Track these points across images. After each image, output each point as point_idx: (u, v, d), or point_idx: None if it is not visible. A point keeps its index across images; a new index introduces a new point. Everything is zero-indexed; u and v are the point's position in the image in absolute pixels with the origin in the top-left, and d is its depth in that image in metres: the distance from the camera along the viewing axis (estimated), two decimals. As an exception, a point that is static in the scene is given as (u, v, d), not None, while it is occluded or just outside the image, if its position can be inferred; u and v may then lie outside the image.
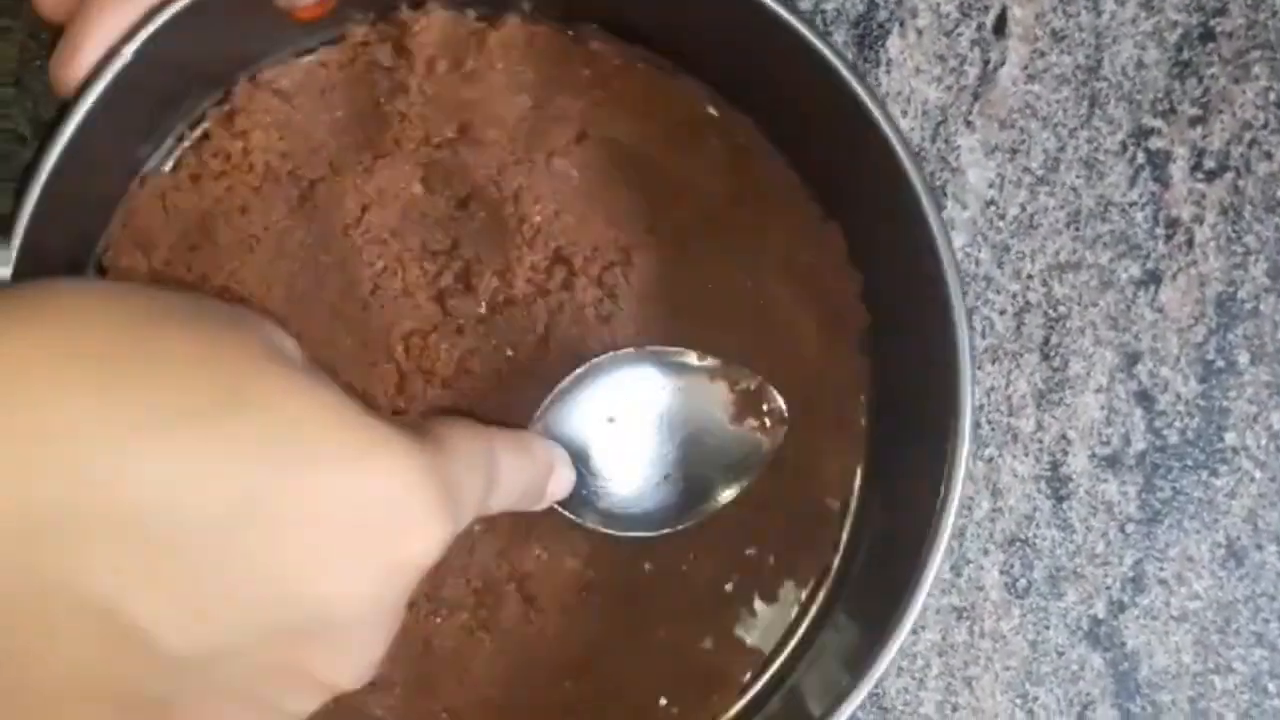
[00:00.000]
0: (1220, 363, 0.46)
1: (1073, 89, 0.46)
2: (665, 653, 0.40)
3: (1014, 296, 0.46)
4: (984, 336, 0.45)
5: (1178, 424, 0.46)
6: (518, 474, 0.33)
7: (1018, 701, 0.45)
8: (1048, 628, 0.45)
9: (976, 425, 0.39)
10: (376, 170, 0.39)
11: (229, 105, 0.40)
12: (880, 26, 0.46)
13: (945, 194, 0.46)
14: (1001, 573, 0.45)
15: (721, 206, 0.41)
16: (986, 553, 0.45)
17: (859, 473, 0.42)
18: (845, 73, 0.37)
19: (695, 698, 0.41)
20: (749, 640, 0.41)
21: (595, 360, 0.38)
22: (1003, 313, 0.46)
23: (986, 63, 0.46)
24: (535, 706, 0.40)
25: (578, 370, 0.38)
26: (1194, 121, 0.46)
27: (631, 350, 0.39)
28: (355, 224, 0.39)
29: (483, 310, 0.40)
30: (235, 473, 0.23)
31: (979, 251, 0.46)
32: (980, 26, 0.46)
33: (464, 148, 0.40)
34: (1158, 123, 0.46)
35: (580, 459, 0.37)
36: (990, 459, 0.45)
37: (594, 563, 0.40)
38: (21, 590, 0.22)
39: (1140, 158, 0.46)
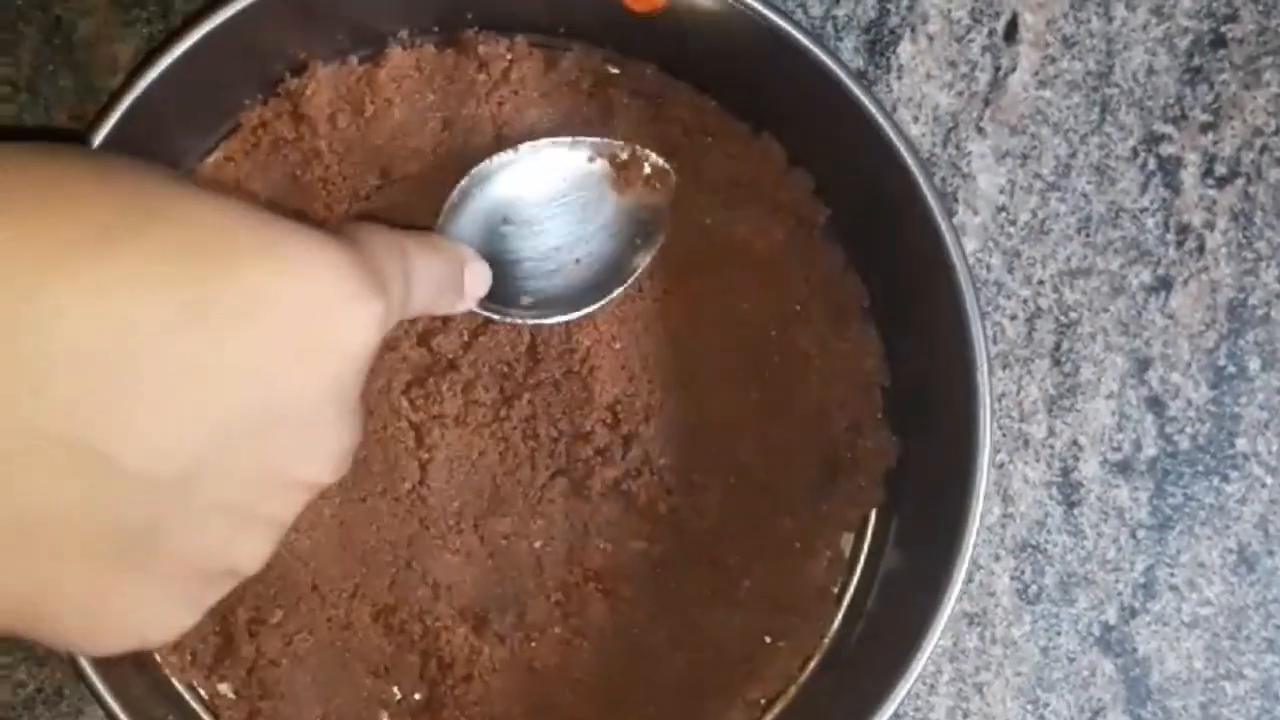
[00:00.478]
0: (1231, 369, 0.46)
1: (1084, 95, 0.46)
2: (756, 598, 0.41)
3: (1025, 302, 0.46)
4: (995, 342, 0.45)
5: (1189, 430, 0.46)
6: (431, 270, 0.33)
7: (1029, 708, 0.45)
8: (1059, 633, 0.45)
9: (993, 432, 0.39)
10: None
11: None
12: (891, 32, 0.46)
13: (956, 200, 0.46)
14: (1013, 578, 0.45)
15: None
16: (998, 558, 0.45)
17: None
18: (848, 81, 0.38)
19: (799, 623, 0.42)
20: (829, 556, 0.42)
21: (474, 169, 0.39)
22: (1014, 318, 0.46)
23: (997, 69, 0.46)
24: (655, 685, 0.41)
25: (461, 182, 0.39)
26: (1205, 128, 0.46)
27: (508, 151, 0.39)
28: None
29: (461, 334, 0.41)
30: (165, 284, 0.23)
31: (990, 257, 0.46)
32: (991, 32, 0.46)
33: (392, 190, 0.41)
34: (1169, 129, 0.46)
35: (492, 263, 0.38)
36: (1001, 465, 0.45)
37: (658, 538, 0.41)
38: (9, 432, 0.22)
39: (1151, 164, 0.46)
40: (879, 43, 0.46)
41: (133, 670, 0.39)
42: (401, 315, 0.31)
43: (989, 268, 0.46)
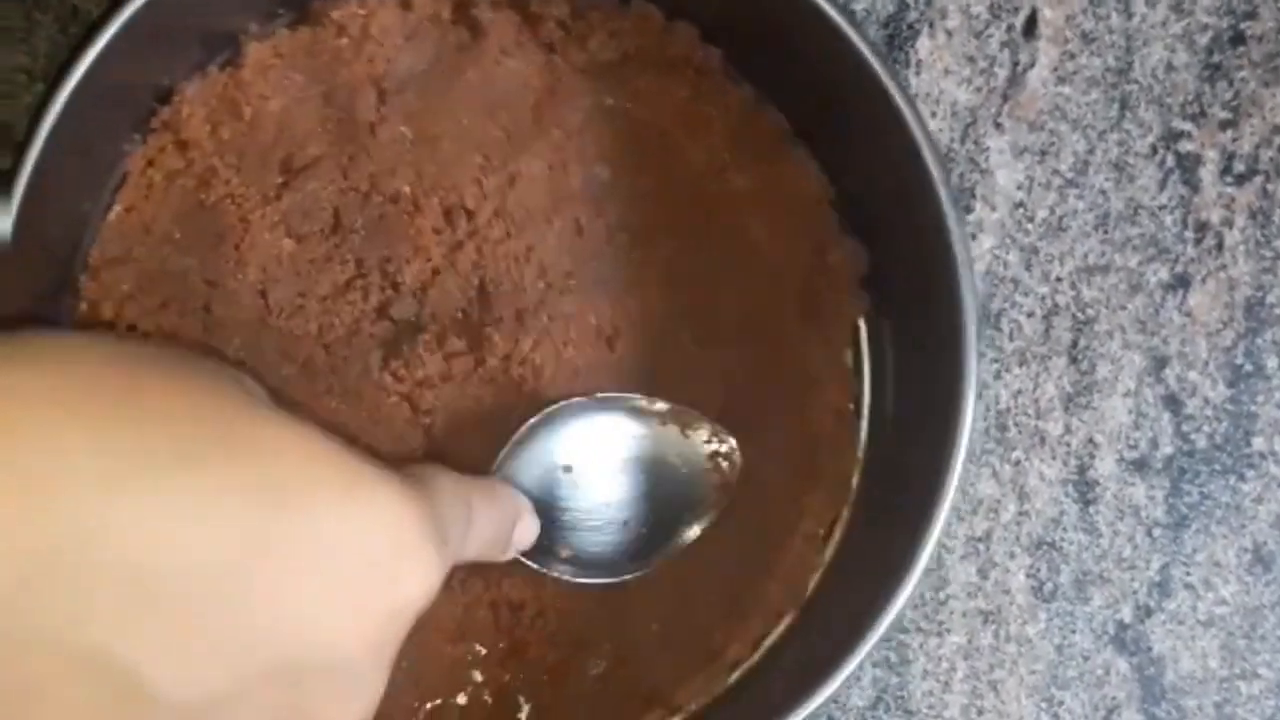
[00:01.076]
0: (1249, 367, 0.46)
1: (1102, 91, 0.46)
2: (780, 446, 0.42)
3: (1042, 299, 0.45)
4: (1011, 339, 0.45)
5: (1205, 428, 0.45)
6: (489, 520, 0.33)
7: (1043, 705, 0.45)
8: (1074, 632, 0.45)
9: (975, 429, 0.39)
10: (244, 258, 0.40)
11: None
12: (910, 27, 0.45)
13: (974, 196, 0.45)
14: (1028, 576, 0.45)
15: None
16: (1013, 556, 0.45)
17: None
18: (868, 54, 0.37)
19: (826, 458, 0.42)
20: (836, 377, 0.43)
21: (549, 409, 0.39)
22: (1031, 315, 0.45)
23: (1016, 64, 0.46)
24: (709, 569, 0.41)
25: (531, 420, 0.39)
26: (1224, 125, 0.46)
27: (584, 399, 0.39)
28: (268, 314, 0.40)
29: (415, 296, 0.40)
30: (230, 519, 0.23)
31: (1007, 254, 0.45)
32: (1010, 28, 0.46)
33: (301, 181, 0.40)
34: (1188, 126, 0.46)
35: (540, 508, 0.38)
36: (1017, 462, 0.45)
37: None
38: (11, 641, 0.21)
39: (1170, 161, 0.46)
40: (897, 37, 0.45)
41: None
42: (453, 563, 0.30)
43: (1006, 264, 0.45)
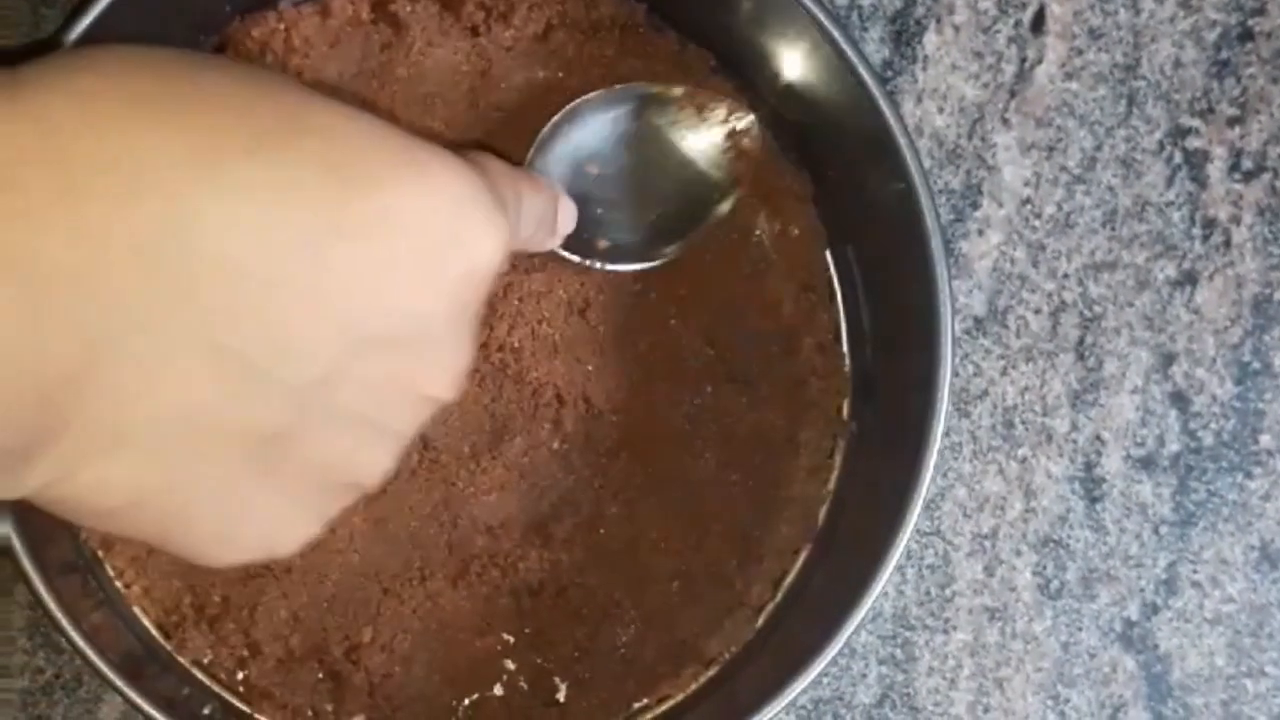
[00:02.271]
0: (1256, 365, 0.46)
1: (1110, 87, 0.46)
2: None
3: (1049, 296, 0.45)
4: (1019, 336, 0.45)
5: (1213, 426, 0.45)
6: (533, 202, 0.34)
7: (1049, 703, 0.45)
8: (1080, 629, 0.45)
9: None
10: None
11: None
12: (917, 23, 0.45)
13: (981, 192, 0.45)
14: (1034, 574, 0.45)
15: None
16: (1019, 553, 0.45)
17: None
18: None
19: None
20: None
21: (569, 106, 0.39)
22: (1038, 312, 0.45)
23: (1024, 60, 0.46)
24: (721, 516, 0.42)
25: (554, 118, 0.39)
26: (1232, 121, 0.46)
27: (601, 92, 0.40)
28: None
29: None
30: (312, 195, 0.24)
31: (1014, 250, 0.45)
32: (1018, 23, 0.46)
33: None
34: (1195, 122, 0.46)
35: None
36: (1024, 459, 0.45)
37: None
38: (133, 333, 0.22)
39: (1178, 157, 0.46)
40: (904, 33, 0.45)
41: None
42: (512, 238, 0.31)
43: (1013, 261, 0.45)
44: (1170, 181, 0.46)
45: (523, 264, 0.41)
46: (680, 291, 0.42)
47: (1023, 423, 0.45)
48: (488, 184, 0.27)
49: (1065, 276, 0.45)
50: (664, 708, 0.42)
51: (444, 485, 0.41)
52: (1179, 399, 0.45)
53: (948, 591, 0.45)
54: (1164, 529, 0.45)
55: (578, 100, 0.39)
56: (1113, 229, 0.45)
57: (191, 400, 0.24)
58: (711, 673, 0.42)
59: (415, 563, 0.40)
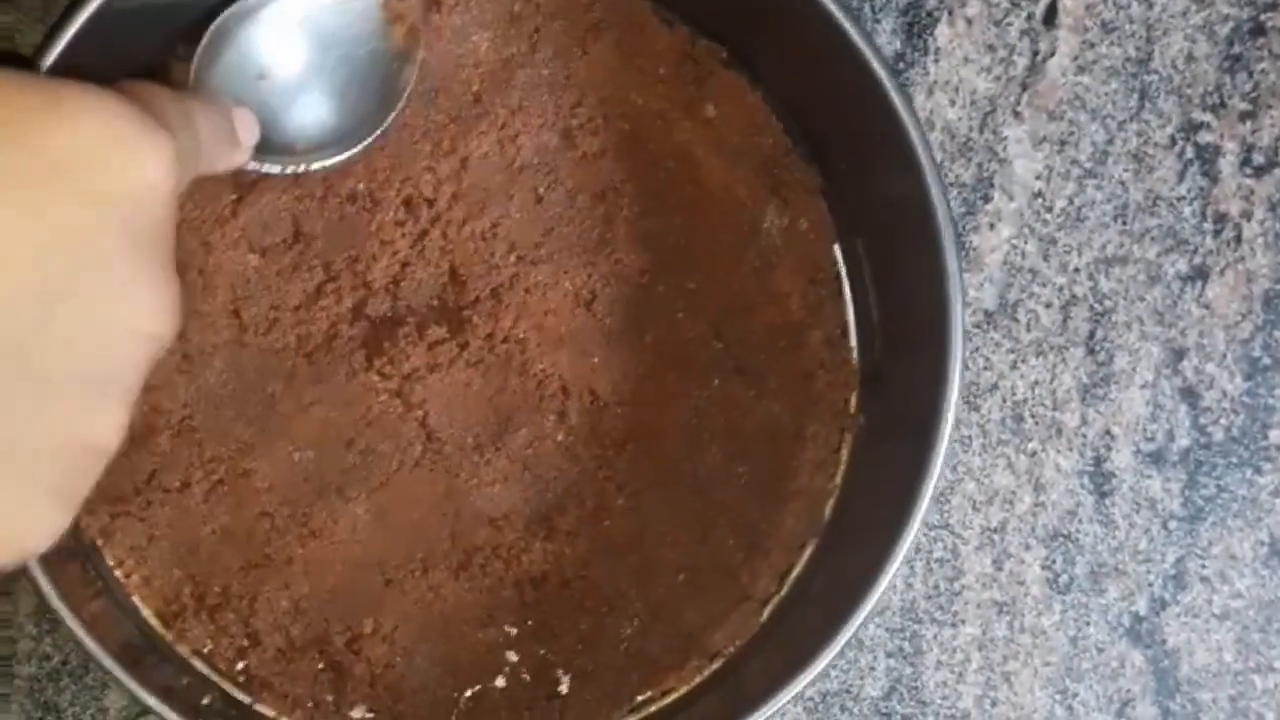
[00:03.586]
0: (1266, 360, 0.45)
1: (1122, 81, 0.46)
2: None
3: (1060, 290, 0.45)
4: (1029, 330, 0.45)
5: (1223, 421, 0.45)
6: (208, 120, 0.32)
7: (1057, 698, 0.45)
8: (1088, 624, 0.45)
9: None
10: (211, 281, 0.40)
11: None
12: (929, 15, 0.45)
13: (992, 185, 0.45)
14: (1043, 568, 0.45)
15: None
16: (1028, 547, 0.45)
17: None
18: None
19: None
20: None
21: (215, 22, 0.37)
22: (1048, 306, 0.45)
23: (1036, 53, 0.45)
24: (727, 504, 0.42)
25: (203, 40, 0.37)
26: (1244, 116, 0.46)
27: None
28: (244, 333, 0.40)
29: (388, 291, 0.41)
30: None
31: (1025, 244, 0.45)
32: (1030, 16, 0.45)
33: (255, 195, 0.40)
34: (1207, 117, 0.46)
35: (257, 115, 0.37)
36: (1034, 453, 0.45)
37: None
38: None
39: (1189, 152, 0.46)
40: (916, 25, 0.45)
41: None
42: (195, 168, 0.30)
43: (1024, 254, 0.45)
44: (1182, 176, 0.46)
45: (529, 255, 0.41)
46: (688, 285, 0.42)
47: (1032, 417, 0.45)
48: (139, 105, 0.26)
49: (1076, 270, 0.45)
50: (668, 700, 0.41)
51: (447, 477, 0.41)
52: (1189, 394, 0.45)
53: (956, 585, 0.45)
54: (1173, 524, 0.45)
55: (220, 16, 0.37)
56: (1124, 223, 0.45)
57: None
58: (716, 665, 0.42)
59: (418, 554, 0.40)
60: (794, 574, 0.42)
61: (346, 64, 0.39)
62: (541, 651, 0.41)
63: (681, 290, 0.42)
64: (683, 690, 0.42)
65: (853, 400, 0.42)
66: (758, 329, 0.42)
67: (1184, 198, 0.46)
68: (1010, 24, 0.45)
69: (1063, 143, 0.45)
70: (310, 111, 0.39)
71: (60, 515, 0.26)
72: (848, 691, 0.44)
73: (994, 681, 0.45)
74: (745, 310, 0.42)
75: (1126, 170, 0.45)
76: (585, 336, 0.41)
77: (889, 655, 0.44)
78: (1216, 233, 0.46)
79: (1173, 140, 0.46)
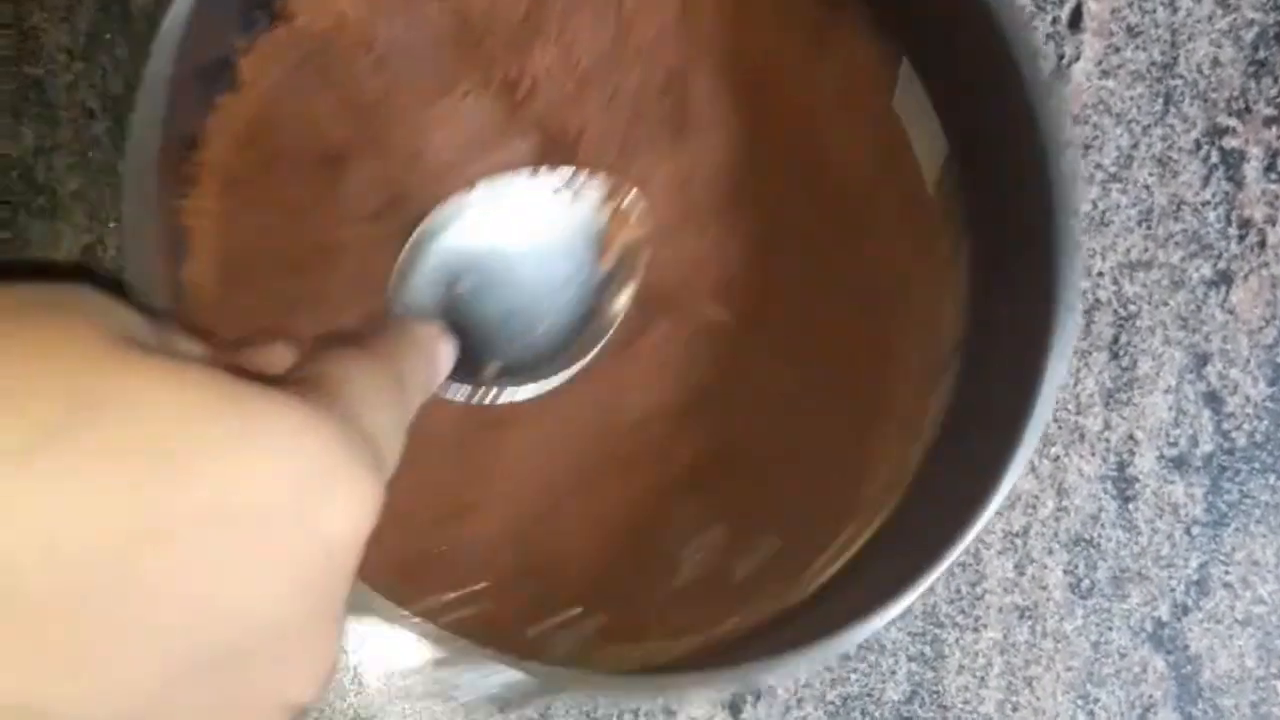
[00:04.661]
0: (1290, 366, 0.45)
1: (1147, 86, 0.46)
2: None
3: (1084, 294, 0.45)
4: (1052, 334, 0.45)
5: (1246, 426, 0.45)
6: (415, 374, 0.28)
7: (1079, 703, 0.45)
8: (1111, 629, 0.45)
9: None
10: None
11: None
12: (954, 18, 0.45)
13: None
14: (1065, 572, 0.45)
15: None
16: (1051, 552, 0.45)
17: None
18: None
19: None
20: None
21: (422, 224, 0.34)
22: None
23: (1061, 57, 0.45)
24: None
25: (409, 242, 0.34)
26: (1269, 121, 0.46)
27: (461, 193, 0.34)
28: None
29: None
30: (106, 497, 0.19)
31: (1049, 248, 0.45)
32: (1055, 20, 0.45)
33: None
34: (1232, 122, 0.46)
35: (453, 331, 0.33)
36: (1056, 458, 0.45)
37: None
38: None
39: (1214, 157, 0.46)
40: (942, 28, 0.45)
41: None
42: (399, 451, 0.25)
43: (1048, 258, 0.45)
44: (1206, 181, 0.46)
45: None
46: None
47: (1056, 421, 0.45)
48: (348, 427, 0.22)
49: (1100, 275, 0.45)
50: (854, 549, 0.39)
51: (592, 389, 0.38)
52: (1212, 399, 0.45)
53: (978, 589, 0.45)
54: (1196, 529, 0.45)
55: (429, 216, 0.34)
56: (1148, 228, 0.45)
57: None
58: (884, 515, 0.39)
59: (585, 469, 0.40)
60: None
61: (554, 281, 0.35)
62: (723, 525, 0.39)
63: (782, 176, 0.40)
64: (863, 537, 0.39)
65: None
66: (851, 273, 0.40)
67: (1208, 203, 0.46)
68: (1035, 28, 0.45)
69: (1087, 147, 0.45)
70: (504, 329, 0.34)
71: None
72: (869, 695, 0.44)
73: (1016, 686, 0.44)
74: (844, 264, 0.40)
75: (1151, 175, 0.45)
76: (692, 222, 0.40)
77: (910, 659, 0.44)
78: (1241, 238, 0.45)
79: (1197, 145, 0.46)
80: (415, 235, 0.33)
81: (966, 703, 0.44)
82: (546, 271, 0.34)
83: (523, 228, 0.34)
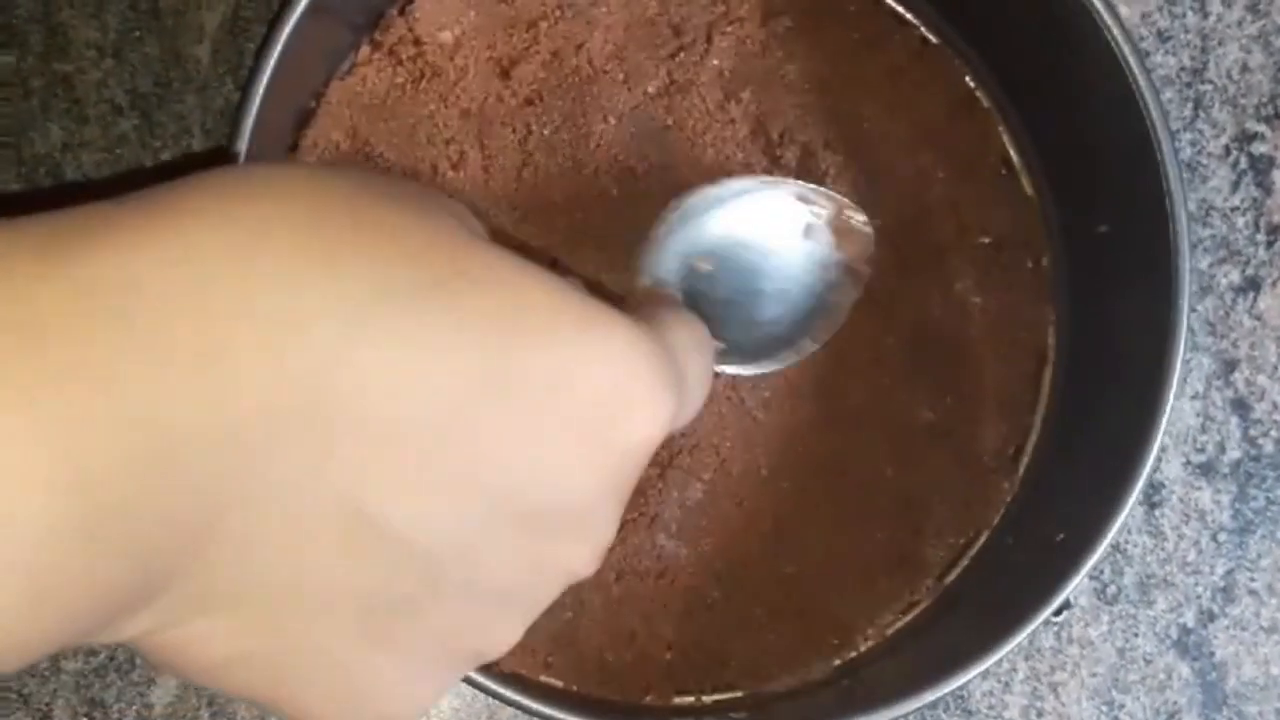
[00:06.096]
0: (1318, 373, 0.45)
1: (1177, 91, 0.45)
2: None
3: (1112, 299, 0.45)
4: (1080, 339, 0.45)
5: (1274, 433, 0.45)
6: (701, 364, 0.31)
7: (1104, 709, 0.44)
8: (1136, 635, 0.45)
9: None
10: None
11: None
12: (984, 22, 0.45)
13: (1045, 193, 0.45)
14: (1091, 578, 0.45)
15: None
16: (1077, 557, 0.45)
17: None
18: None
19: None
20: None
21: (679, 201, 0.37)
22: (1100, 315, 0.45)
23: (1090, 61, 0.45)
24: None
25: (665, 212, 0.37)
26: (1298, 127, 0.46)
27: (714, 186, 0.37)
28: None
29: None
30: (471, 349, 0.22)
31: (1077, 252, 0.45)
32: (1085, 25, 0.45)
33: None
34: (1261, 128, 0.46)
35: (685, 302, 0.36)
36: (1083, 463, 0.45)
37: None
38: (262, 491, 0.21)
39: (1243, 162, 0.45)
40: (971, 32, 0.45)
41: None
42: (696, 407, 0.29)
43: (1076, 263, 0.45)
44: (1235, 186, 0.45)
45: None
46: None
47: (1082, 426, 0.45)
48: (665, 353, 0.25)
49: (1128, 280, 0.45)
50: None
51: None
52: (1240, 405, 0.45)
53: (1003, 594, 0.44)
54: (1222, 536, 0.45)
55: (687, 194, 0.37)
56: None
57: (317, 565, 0.22)
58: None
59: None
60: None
61: (782, 278, 0.38)
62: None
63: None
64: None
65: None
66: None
67: (1237, 208, 0.45)
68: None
69: (1116, 152, 0.45)
70: (733, 311, 0.37)
71: (428, 699, 0.26)
72: (893, 699, 0.44)
73: (1040, 692, 0.44)
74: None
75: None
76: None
77: (935, 664, 0.44)
78: (1269, 244, 0.45)
79: (1226, 151, 0.45)
80: (672, 212, 0.37)
81: (991, 708, 0.44)
82: (779, 268, 0.37)
83: (764, 224, 0.37)
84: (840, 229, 0.38)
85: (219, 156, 0.36)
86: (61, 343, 0.18)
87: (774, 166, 0.42)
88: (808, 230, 0.38)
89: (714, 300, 0.37)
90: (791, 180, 0.38)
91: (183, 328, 0.19)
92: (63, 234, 0.20)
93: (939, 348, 0.42)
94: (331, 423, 0.21)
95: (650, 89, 0.42)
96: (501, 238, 0.25)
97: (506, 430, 0.22)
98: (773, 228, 0.37)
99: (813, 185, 0.38)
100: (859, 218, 0.38)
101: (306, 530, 0.21)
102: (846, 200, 0.38)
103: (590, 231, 0.41)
